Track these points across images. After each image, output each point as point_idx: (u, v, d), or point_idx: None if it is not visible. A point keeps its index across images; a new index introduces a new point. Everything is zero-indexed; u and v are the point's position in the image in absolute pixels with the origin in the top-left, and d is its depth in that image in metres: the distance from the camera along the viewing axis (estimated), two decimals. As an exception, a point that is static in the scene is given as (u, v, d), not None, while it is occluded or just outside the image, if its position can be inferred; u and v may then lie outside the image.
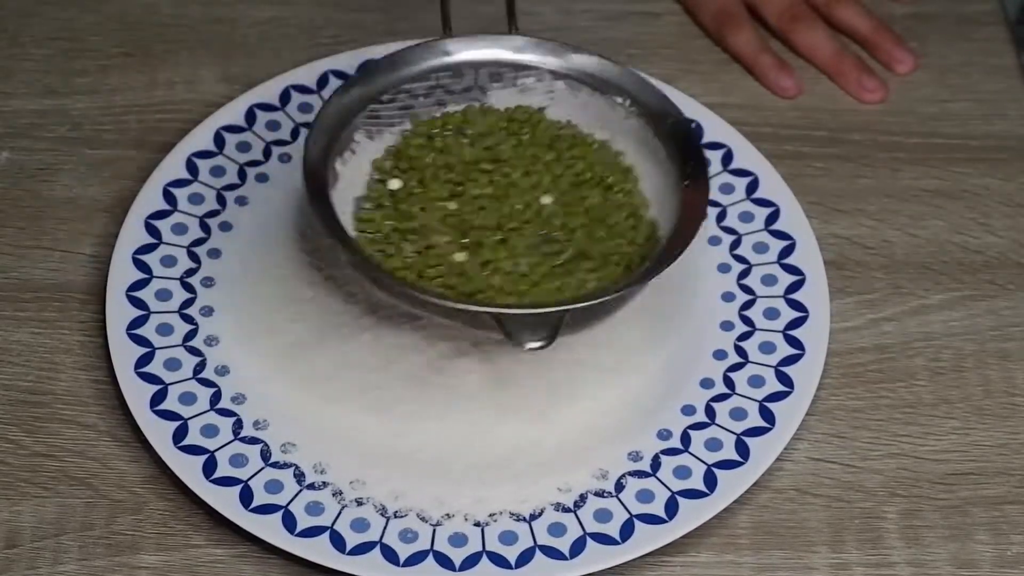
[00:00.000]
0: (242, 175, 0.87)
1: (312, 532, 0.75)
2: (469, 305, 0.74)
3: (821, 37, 0.94)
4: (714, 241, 0.86)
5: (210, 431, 0.78)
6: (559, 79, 0.82)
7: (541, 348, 0.73)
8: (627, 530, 0.76)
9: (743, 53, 0.94)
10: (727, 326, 0.83)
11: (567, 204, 0.79)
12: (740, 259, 0.85)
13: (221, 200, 0.86)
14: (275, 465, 0.77)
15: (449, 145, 0.81)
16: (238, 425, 0.78)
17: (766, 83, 0.93)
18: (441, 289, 0.76)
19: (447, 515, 0.76)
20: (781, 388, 0.80)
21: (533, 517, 0.76)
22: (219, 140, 0.88)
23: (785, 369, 0.81)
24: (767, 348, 0.82)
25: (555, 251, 0.77)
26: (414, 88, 0.81)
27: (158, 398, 0.79)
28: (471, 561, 0.75)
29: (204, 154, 0.88)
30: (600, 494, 0.77)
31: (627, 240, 0.78)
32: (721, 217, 0.87)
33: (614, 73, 0.82)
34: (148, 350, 0.80)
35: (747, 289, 0.84)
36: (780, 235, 0.86)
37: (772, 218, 0.86)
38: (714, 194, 0.87)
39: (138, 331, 0.81)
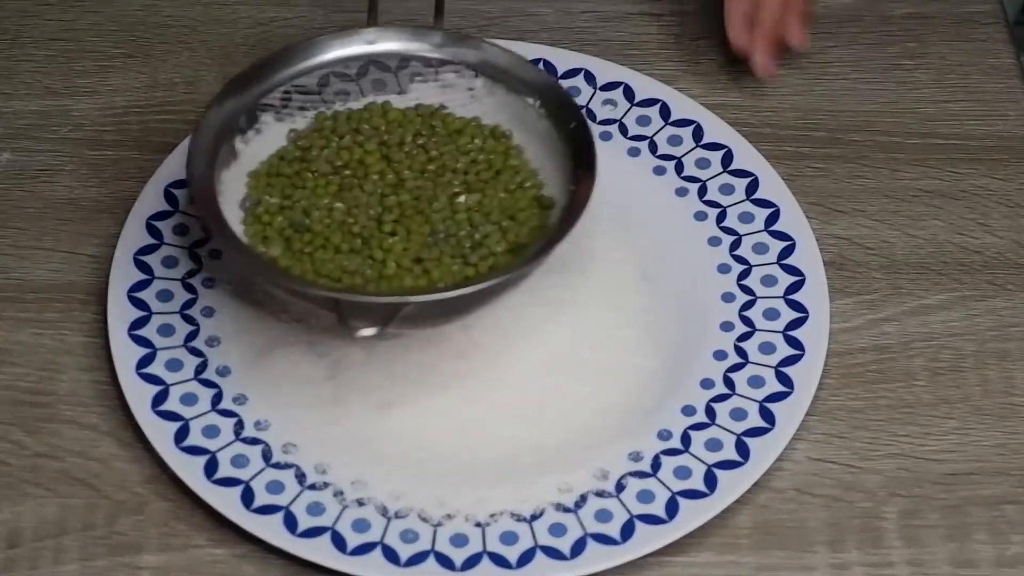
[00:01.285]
0: (243, 176, 0.87)
1: (313, 532, 0.75)
2: (303, 286, 0.76)
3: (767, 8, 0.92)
4: (714, 242, 0.86)
5: (211, 432, 0.78)
6: (478, 76, 0.83)
7: (372, 335, 0.74)
8: (628, 530, 0.76)
9: (734, 18, 0.93)
10: (727, 327, 0.83)
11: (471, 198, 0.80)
12: (740, 260, 0.85)
13: (222, 201, 0.86)
14: (276, 466, 0.77)
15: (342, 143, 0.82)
16: (239, 426, 0.79)
17: (747, 56, 0.93)
18: (280, 268, 0.77)
19: (448, 515, 0.76)
20: (781, 388, 0.80)
21: (534, 517, 0.76)
22: (220, 141, 0.88)
23: (785, 369, 0.81)
24: (767, 348, 0.82)
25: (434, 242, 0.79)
26: (326, 75, 0.83)
27: (159, 399, 0.79)
28: (472, 561, 0.75)
29: (205, 155, 0.88)
30: (601, 494, 0.77)
31: (503, 237, 0.79)
32: (721, 218, 0.87)
33: (530, 73, 0.83)
34: (149, 351, 0.81)
35: (747, 290, 0.84)
36: (780, 236, 0.86)
37: (772, 219, 0.86)
38: (714, 195, 0.87)
39: (139, 332, 0.81)
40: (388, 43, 0.83)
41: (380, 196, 0.80)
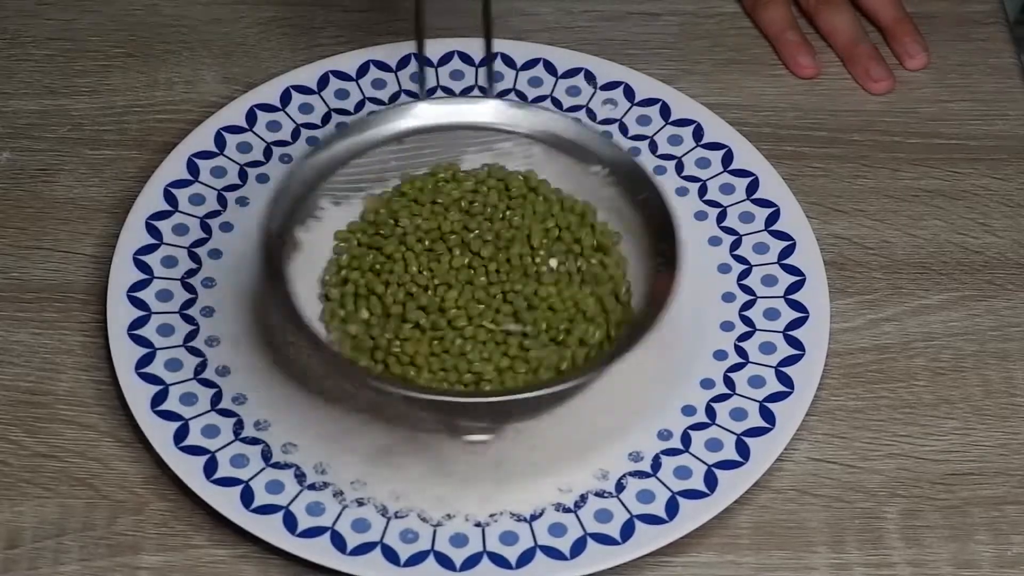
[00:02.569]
0: (243, 176, 0.87)
1: (313, 532, 0.75)
2: (405, 390, 0.74)
3: (844, 20, 0.95)
4: (714, 242, 0.86)
5: (211, 432, 0.78)
6: (536, 144, 0.81)
7: (483, 440, 0.74)
8: (628, 530, 0.76)
9: (770, 27, 0.95)
10: (727, 326, 0.83)
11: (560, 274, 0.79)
12: (740, 259, 0.85)
13: (222, 201, 0.86)
14: (276, 465, 0.77)
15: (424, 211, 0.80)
16: (239, 426, 0.79)
17: (785, 59, 0.94)
18: (382, 372, 0.75)
19: (448, 515, 0.76)
20: (781, 388, 0.80)
21: (534, 517, 0.76)
22: (220, 141, 0.88)
23: (785, 369, 0.81)
24: (767, 348, 0.82)
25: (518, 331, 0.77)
26: (383, 152, 0.80)
27: (159, 399, 0.79)
28: (472, 561, 0.75)
29: (205, 155, 0.88)
30: (601, 494, 0.77)
31: (597, 323, 0.78)
32: (721, 218, 0.87)
33: (590, 139, 0.80)
34: (149, 351, 0.80)
35: (747, 289, 0.84)
36: (780, 235, 0.86)
37: (772, 218, 0.86)
38: (714, 194, 0.87)
39: (139, 332, 0.81)
40: (439, 117, 0.81)
41: (464, 276, 0.78)
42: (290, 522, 0.75)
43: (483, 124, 0.81)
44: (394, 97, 0.90)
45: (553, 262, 0.79)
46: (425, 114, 0.80)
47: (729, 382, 0.81)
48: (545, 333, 0.77)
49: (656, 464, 0.78)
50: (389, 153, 0.81)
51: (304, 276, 0.78)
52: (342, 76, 0.91)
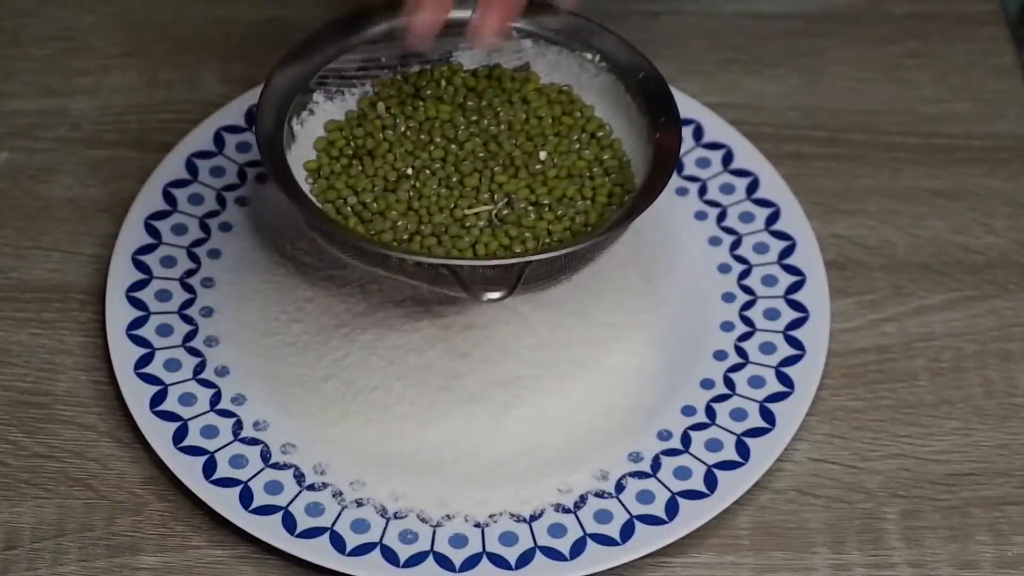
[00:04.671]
0: (242, 175, 0.87)
1: (312, 533, 0.75)
2: (422, 257, 0.74)
3: None
4: (714, 241, 0.86)
5: (210, 432, 0.78)
6: (526, 37, 0.82)
7: (500, 299, 0.73)
8: (627, 531, 0.76)
9: None
10: (727, 326, 0.83)
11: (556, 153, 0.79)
12: (740, 259, 0.85)
13: (221, 200, 0.86)
14: (275, 466, 0.77)
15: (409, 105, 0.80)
16: (238, 426, 0.78)
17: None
18: (391, 242, 0.76)
19: (447, 516, 0.76)
20: (781, 389, 0.80)
21: (533, 518, 0.76)
22: (219, 140, 0.88)
23: (785, 370, 0.81)
24: (767, 349, 0.82)
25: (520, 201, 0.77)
26: (374, 50, 0.81)
27: (158, 399, 0.79)
28: (471, 562, 0.75)
29: (204, 154, 0.88)
30: (600, 495, 0.77)
31: (595, 192, 0.78)
32: (721, 217, 0.86)
33: (582, 28, 0.81)
34: (148, 351, 0.80)
35: (747, 289, 0.84)
36: (780, 235, 0.86)
37: (772, 218, 0.86)
38: (714, 194, 0.87)
39: (138, 332, 0.81)
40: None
41: (462, 156, 0.79)
42: (289, 523, 0.75)
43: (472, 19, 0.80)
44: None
45: (543, 154, 0.79)
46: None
47: (729, 382, 0.81)
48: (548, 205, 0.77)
49: (656, 464, 0.78)
50: (382, 49, 0.81)
51: (300, 169, 0.78)
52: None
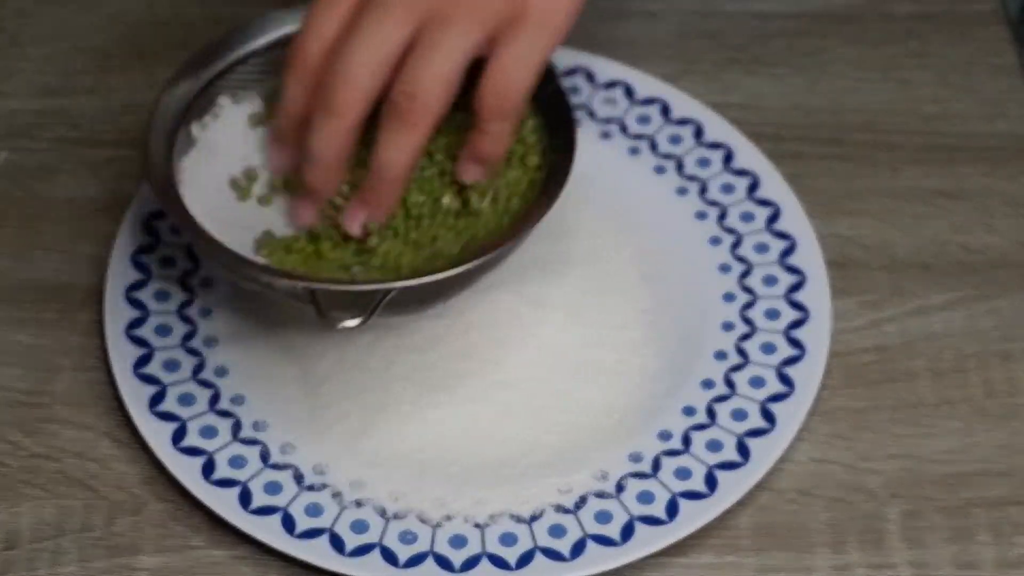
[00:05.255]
0: (241, 175, 0.87)
1: (311, 533, 0.75)
2: (280, 278, 0.74)
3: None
4: (715, 241, 0.86)
5: (209, 432, 0.78)
6: None
7: (355, 327, 0.72)
8: (628, 531, 0.75)
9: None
10: (728, 326, 0.83)
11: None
12: (741, 259, 0.85)
13: (220, 200, 0.86)
14: (274, 466, 0.77)
15: None
16: (237, 426, 0.78)
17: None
18: (261, 261, 0.75)
19: (447, 516, 0.76)
20: (782, 389, 0.80)
21: (533, 518, 0.76)
22: (218, 140, 0.88)
23: (786, 370, 0.81)
24: (768, 349, 0.81)
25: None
26: (278, 53, 0.80)
27: (157, 399, 0.79)
28: (471, 563, 0.74)
29: (203, 154, 0.88)
30: (600, 495, 0.77)
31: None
32: (722, 217, 0.86)
33: None
34: (147, 351, 0.80)
35: (748, 289, 0.84)
36: (781, 235, 0.86)
37: (773, 218, 0.86)
38: (715, 194, 0.87)
39: (137, 332, 0.81)
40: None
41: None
42: (288, 523, 0.75)
43: None
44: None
45: (447, 199, 0.77)
46: (294, 21, 0.80)
47: (730, 382, 0.81)
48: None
49: (656, 465, 0.78)
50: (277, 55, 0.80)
51: (212, 173, 0.78)
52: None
